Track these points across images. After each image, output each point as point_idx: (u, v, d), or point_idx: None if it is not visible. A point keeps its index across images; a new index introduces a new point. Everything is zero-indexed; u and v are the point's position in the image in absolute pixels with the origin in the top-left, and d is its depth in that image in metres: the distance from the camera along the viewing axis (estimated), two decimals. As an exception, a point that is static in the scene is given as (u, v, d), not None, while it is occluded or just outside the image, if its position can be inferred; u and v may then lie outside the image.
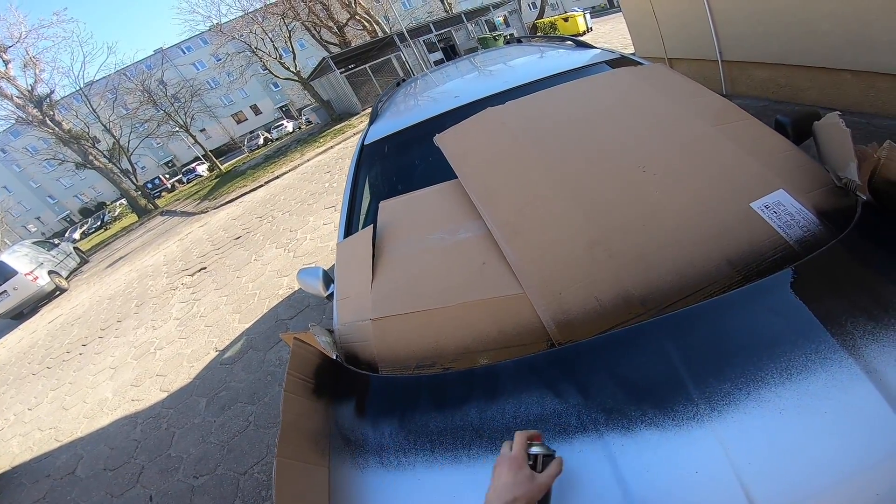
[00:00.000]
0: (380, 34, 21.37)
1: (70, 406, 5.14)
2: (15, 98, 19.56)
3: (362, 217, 1.73)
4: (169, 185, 34.00)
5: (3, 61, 19.50)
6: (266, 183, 13.43)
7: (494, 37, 18.53)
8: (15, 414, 5.79)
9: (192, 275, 7.82)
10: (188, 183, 31.63)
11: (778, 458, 0.67)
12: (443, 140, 1.39)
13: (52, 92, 20.75)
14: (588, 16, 20.07)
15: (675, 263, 0.97)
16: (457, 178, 1.31)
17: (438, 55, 20.58)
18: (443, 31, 20.96)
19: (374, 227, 1.32)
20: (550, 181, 1.17)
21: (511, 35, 20.90)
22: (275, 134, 34.07)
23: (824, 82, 3.92)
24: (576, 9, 24.31)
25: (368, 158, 1.91)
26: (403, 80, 3.10)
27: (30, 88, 19.94)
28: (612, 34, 16.12)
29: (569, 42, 2.28)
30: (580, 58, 1.93)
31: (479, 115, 1.42)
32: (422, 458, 0.86)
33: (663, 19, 5.42)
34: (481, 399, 0.90)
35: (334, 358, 1.12)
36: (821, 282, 0.84)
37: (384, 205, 1.39)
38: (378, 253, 1.26)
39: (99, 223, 33.65)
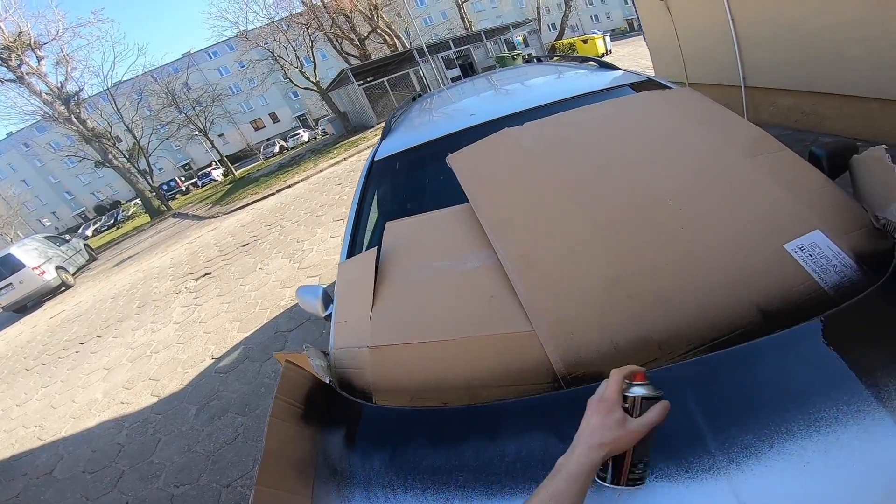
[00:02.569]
0: (400, 48, 21.71)
1: (58, 405, 5.07)
2: (44, 94, 20.07)
3: (367, 236, 1.64)
4: (184, 188, 34.50)
5: (37, 58, 20.05)
6: (278, 191, 13.49)
7: (513, 56, 18.71)
8: (3, 409, 5.73)
9: (196, 279, 7.79)
10: (203, 186, 32.07)
11: None
12: (455, 160, 1.29)
13: (80, 90, 21.28)
14: (608, 38, 20.25)
15: (699, 307, 0.89)
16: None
17: (456, 72, 20.80)
18: (462, 48, 21.22)
19: (378, 250, 1.25)
20: (569, 211, 1.08)
21: (530, 54, 21.13)
22: (291, 143, 34.51)
23: (850, 111, 3.78)
24: (596, 31, 24.58)
25: (378, 175, 1.83)
26: (420, 95, 3.04)
27: (59, 85, 20.43)
28: (630, 57, 16.17)
29: (591, 62, 2.19)
30: (603, 79, 1.84)
31: (496, 136, 1.32)
32: (411, 497, 0.80)
33: (686, 42, 5.33)
34: (480, 438, 0.84)
35: (327, 382, 1.05)
36: (856, 331, 0.79)
37: (390, 226, 1.32)
38: (381, 277, 1.18)
39: (112, 221, 34.19)
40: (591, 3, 54.25)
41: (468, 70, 21.05)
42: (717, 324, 0.87)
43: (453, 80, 20.27)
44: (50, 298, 12.25)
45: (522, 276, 1.00)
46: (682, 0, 5.08)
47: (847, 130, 3.86)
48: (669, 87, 1.59)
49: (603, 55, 18.91)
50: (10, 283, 11.38)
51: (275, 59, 21.64)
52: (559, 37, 23.89)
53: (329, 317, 1.45)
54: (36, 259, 12.02)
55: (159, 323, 6.34)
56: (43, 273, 11.86)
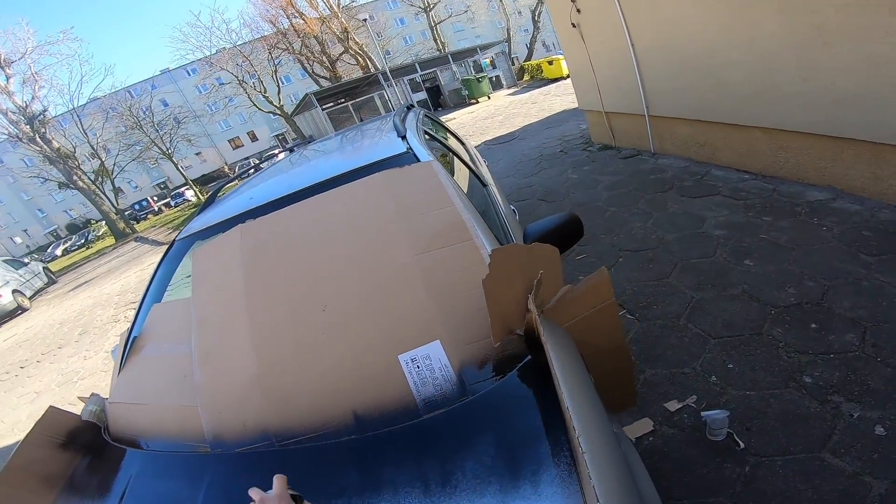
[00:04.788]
0: (372, 70, 21.92)
1: None
2: (10, 113, 19.74)
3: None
4: (156, 208, 33.91)
5: (6, 75, 19.76)
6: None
7: (478, 78, 19.00)
8: None
9: (136, 309, 7.67)
10: (175, 207, 31.60)
11: None
12: (195, 255, 1.43)
13: (45, 110, 21.01)
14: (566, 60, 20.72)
15: (310, 408, 1.04)
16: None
17: (422, 95, 21.03)
18: (428, 71, 21.52)
19: (133, 326, 1.52)
20: (244, 312, 1.23)
21: (495, 77, 21.48)
22: (266, 164, 34.21)
23: (737, 141, 3.87)
24: (561, 52, 25.16)
25: (179, 252, 1.84)
26: (310, 139, 3.07)
27: (25, 104, 20.13)
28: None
29: (390, 130, 2.09)
30: (377, 151, 1.83)
31: (225, 234, 1.44)
32: None
33: (600, 70, 5.44)
34: (172, 481, 1.08)
35: (96, 423, 1.29)
36: (433, 441, 0.90)
37: (154, 307, 1.54)
38: (134, 349, 1.42)
39: (83, 241, 33.36)
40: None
41: (435, 93, 21.30)
42: (319, 424, 1.02)
43: (419, 103, 20.58)
44: (6, 321, 12.03)
45: (200, 364, 1.19)
46: (592, 27, 5.14)
47: (736, 162, 3.96)
48: (417, 161, 1.58)
49: (568, 76, 19.36)
50: (-35, 307, 11.04)
51: (239, 83, 21.68)
52: (528, 57, 24.45)
53: None
54: (-10, 283, 11.72)
55: (92, 350, 6.42)
56: (-1, 297, 11.60)
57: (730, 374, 1.97)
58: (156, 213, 32.16)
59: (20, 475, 1.11)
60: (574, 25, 5.33)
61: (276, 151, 36.00)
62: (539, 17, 27.61)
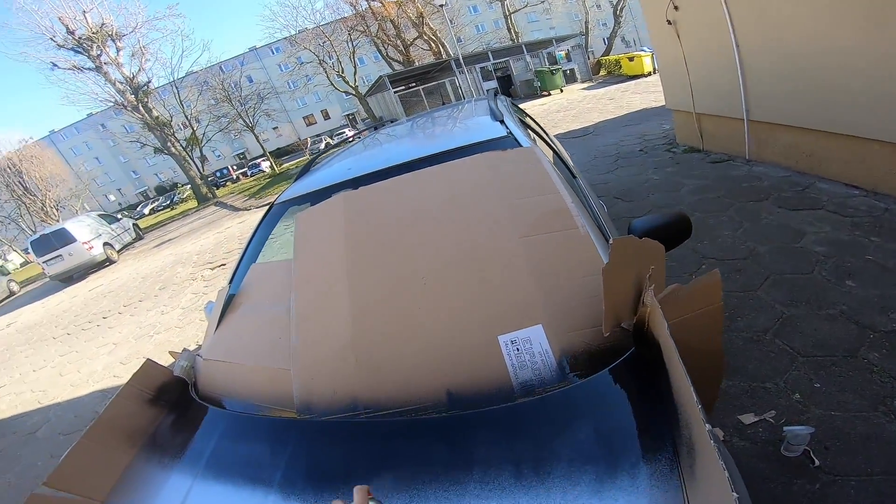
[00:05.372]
0: (444, 56, 21.98)
1: (66, 373, 5.56)
2: (118, 83, 21.86)
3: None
4: (234, 176, 36.42)
5: (117, 48, 21.86)
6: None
7: (552, 70, 18.47)
8: (20, 373, 6.34)
9: (213, 269, 8.26)
10: (251, 176, 33.75)
11: None
12: (298, 219, 1.47)
13: (149, 81, 22.99)
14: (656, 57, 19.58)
15: (402, 381, 1.04)
16: None
17: (493, 83, 20.78)
18: (501, 60, 21.20)
19: (230, 284, 1.56)
20: (343, 278, 1.24)
21: (572, 70, 20.78)
22: (335, 140, 35.67)
23: (850, 154, 3.50)
24: (645, 48, 23.83)
25: (276, 216, 1.97)
26: (391, 122, 3.15)
27: (132, 76, 22.16)
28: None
29: (494, 110, 2.09)
30: (474, 134, 1.85)
31: (328, 201, 1.47)
32: (211, 478, 1.03)
33: (694, 69, 5.12)
34: (255, 443, 1.09)
35: (185, 379, 1.33)
36: (531, 424, 0.88)
37: (253, 267, 1.60)
38: (232, 306, 1.46)
39: (168, 202, 36.59)
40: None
41: (506, 83, 20.99)
42: (410, 399, 1.01)
43: (488, 91, 20.29)
44: (94, 272, 13.31)
45: (297, 326, 1.21)
46: (690, 25, 4.89)
47: (846, 175, 3.60)
48: (518, 146, 1.58)
49: (648, 74, 18.33)
50: (61, 255, 12.52)
51: (319, 62, 22.53)
52: (607, 52, 23.39)
53: None
54: (86, 234, 13.14)
55: (170, 306, 6.81)
56: (91, 248, 12.95)
57: (815, 393, 1.89)
58: (234, 181, 34.54)
59: (108, 429, 1.13)
60: (669, 23, 5.07)
61: (347, 130, 37.37)
62: (621, 11, 26.29)
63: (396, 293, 1.17)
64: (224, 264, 8.23)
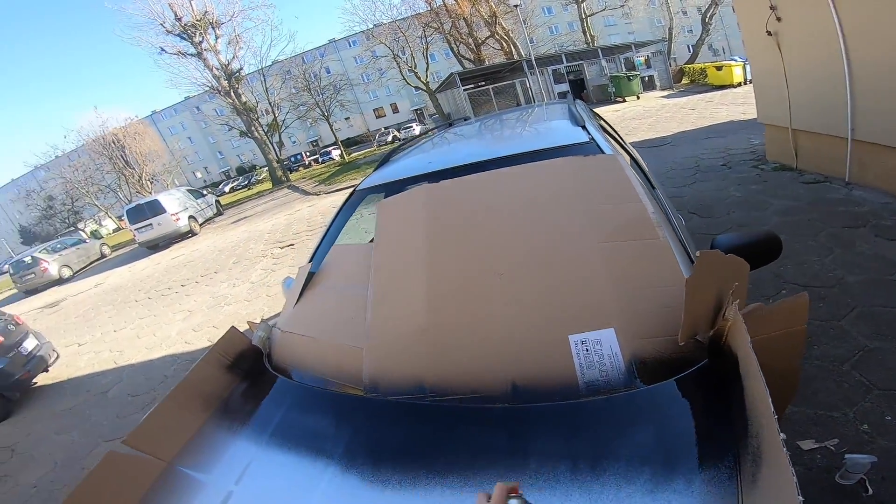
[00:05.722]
0: (515, 56, 21.77)
1: (142, 336, 6.08)
2: (214, 69, 23.77)
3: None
4: (307, 162, 38.46)
5: (216, 36, 23.75)
6: (373, 179, 14.45)
7: (629, 76, 17.70)
8: (102, 332, 6.99)
9: (282, 248, 8.75)
10: (322, 163, 35.48)
11: None
12: (381, 207, 1.54)
13: (241, 68, 24.75)
14: (749, 67, 18.09)
15: (469, 369, 1.07)
16: None
17: (564, 87, 20.27)
18: (574, 63, 20.63)
19: (311, 266, 1.64)
20: (422, 265, 1.29)
21: (648, 77, 19.81)
22: (403, 133, 36.53)
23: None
24: (737, 58, 22.17)
25: (356, 201, 2.11)
26: (464, 120, 3.21)
27: (227, 62, 23.95)
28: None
29: (574, 115, 2.12)
30: (554, 137, 1.87)
31: (414, 190, 1.53)
32: (275, 446, 1.09)
33: (794, 82, 4.73)
34: (326, 416, 1.14)
35: (261, 349, 1.40)
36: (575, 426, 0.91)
37: (335, 248, 1.71)
38: (313, 283, 1.54)
39: (246, 182, 39.34)
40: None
41: (578, 86, 20.41)
42: (476, 384, 1.04)
43: (559, 95, 20.00)
44: (177, 242, 14.54)
45: (373, 307, 1.28)
46: (793, 35, 4.53)
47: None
48: (600, 153, 1.58)
49: (738, 85, 17.06)
50: (150, 224, 13.89)
51: (394, 56, 23.13)
52: (691, 60, 22.03)
53: None
54: (175, 207, 14.45)
55: (241, 280, 7.30)
56: (178, 220, 14.23)
57: (885, 426, 1.83)
58: (306, 167, 36.50)
59: (189, 392, 1.19)
60: (769, 33, 4.72)
61: (414, 125, 38.14)
62: (710, 19, 24.59)
63: (472, 285, 1.21)
64: (293, 244, 8.71)
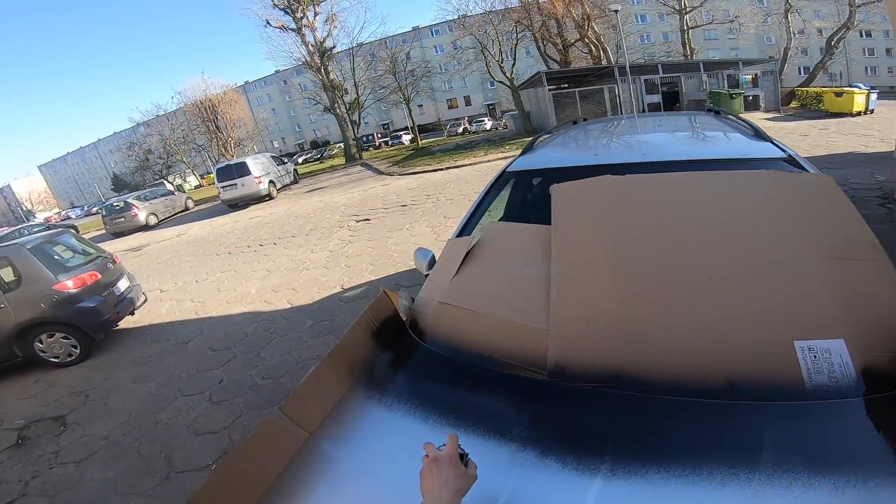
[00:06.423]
0: (604, 62, 20.98)
1: (223, 290, 6.34)
2: (309, 45, 24.85)
3: (477, 226, 2.02)
4: (377, 143, 39.55)
5: (315, 13, 24.80)
6: (446, 168, 14.60)
7: (731, 94, 16.51)
8: (184, 281, 7.37)
9: (357, 221, 9.03)
10: (392, 146, 36.35)
11: None
12: (556, 190, 1.50)
13: (333, 46, 25.70)
14: (874, 96, 16.22)
15: (677, 364, 1.05)
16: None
17: (656, 98, 19.24)
18: (670, 75, 19.52)
19: (475, 239, 1.61)
20: (610, 256, 1.26)
21: (753, 97, 18.38)
22: (474, 127, 36.50)
23: None
24: (860, 85, 20.03)
25: (504, 182, 2.15)
26: (578, 121, 3.20)
27: (322, 40, 24.96)
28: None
29: (748, 128, 2.08)
30: (743, 148, 1.84)
31: (595, 179, 1.49)
32: (416, 416, 1.10)
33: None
34: (483, 394, 1.14)
35: (402, 318, 1.43)
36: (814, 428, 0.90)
37: (491, 225, 1.68)
38: (469, 257, 1.52)
39: (318, 156, 41.18)
40: (871, 54, 43.30)
41: (671, 99, 19.31)
42: (684, 380, 1.02)
43: (650, 106, 19.09)
44: (256, 203, 15.47)
45: (560, 290, 1.23)
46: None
47: None
48: (806, 171, 1.53)
49: (859, 113, 15.41)
50: (235, 184, 14.89)
51: (482, 49, 23.01)
52: (807, 83, 20.16)
53: (428, 275, 1.83)
54: (259, 171, 15.40)
55: (318, 247, 7.58)
56: (260, 182, 15.15)
57: None
58: (376, 147, 37.57)
59: (341, 357, 1.21)
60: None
61: (486, 119, 38.06)
62: (837, 43, 22.34)
63: (674, 283, 1.18)
64: (368, 219, 8.95)
